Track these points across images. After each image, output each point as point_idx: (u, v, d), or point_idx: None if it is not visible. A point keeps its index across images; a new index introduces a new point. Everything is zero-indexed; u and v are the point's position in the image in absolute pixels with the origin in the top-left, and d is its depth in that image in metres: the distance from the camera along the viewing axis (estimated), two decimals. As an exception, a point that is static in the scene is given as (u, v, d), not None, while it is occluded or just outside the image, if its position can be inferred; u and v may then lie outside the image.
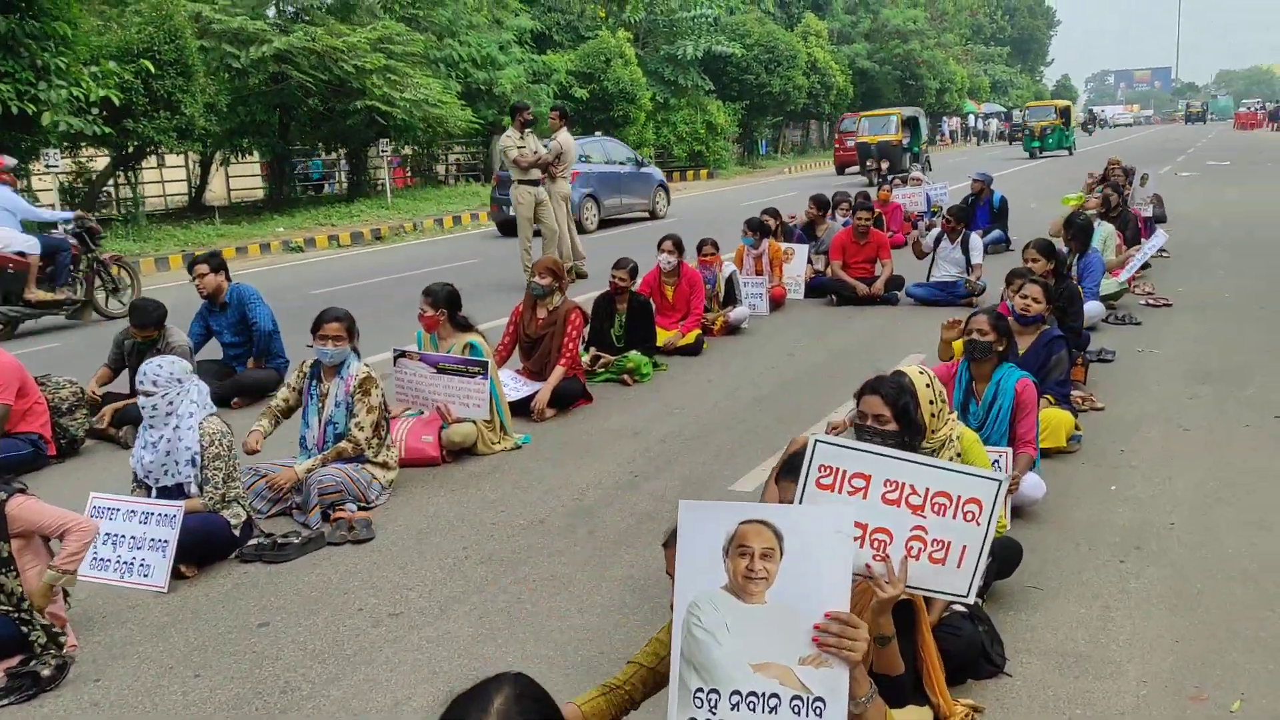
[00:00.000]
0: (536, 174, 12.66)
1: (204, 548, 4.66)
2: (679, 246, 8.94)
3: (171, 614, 4.31)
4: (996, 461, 4.78)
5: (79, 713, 3.63)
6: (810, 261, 11.54)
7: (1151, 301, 10.18)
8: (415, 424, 6.21)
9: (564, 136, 12.95)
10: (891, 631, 3.03)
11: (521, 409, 7.00)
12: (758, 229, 10.79)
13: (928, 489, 3.04)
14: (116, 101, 16.55)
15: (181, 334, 7.18)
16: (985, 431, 4.91)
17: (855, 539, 3.01)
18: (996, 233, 13.75)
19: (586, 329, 7.97)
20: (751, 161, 42.51)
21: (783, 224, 12.05)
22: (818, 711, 2.55)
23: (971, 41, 73.09)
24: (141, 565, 4.54)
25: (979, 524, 3.05)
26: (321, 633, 4.10)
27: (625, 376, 7.93)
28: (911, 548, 3.05)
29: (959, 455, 4.27)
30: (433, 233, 21.61)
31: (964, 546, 3.06)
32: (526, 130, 12.62)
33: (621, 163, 21.98)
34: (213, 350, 7.96)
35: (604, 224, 20.80)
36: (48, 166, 16.66)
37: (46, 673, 3.74)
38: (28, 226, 11.33)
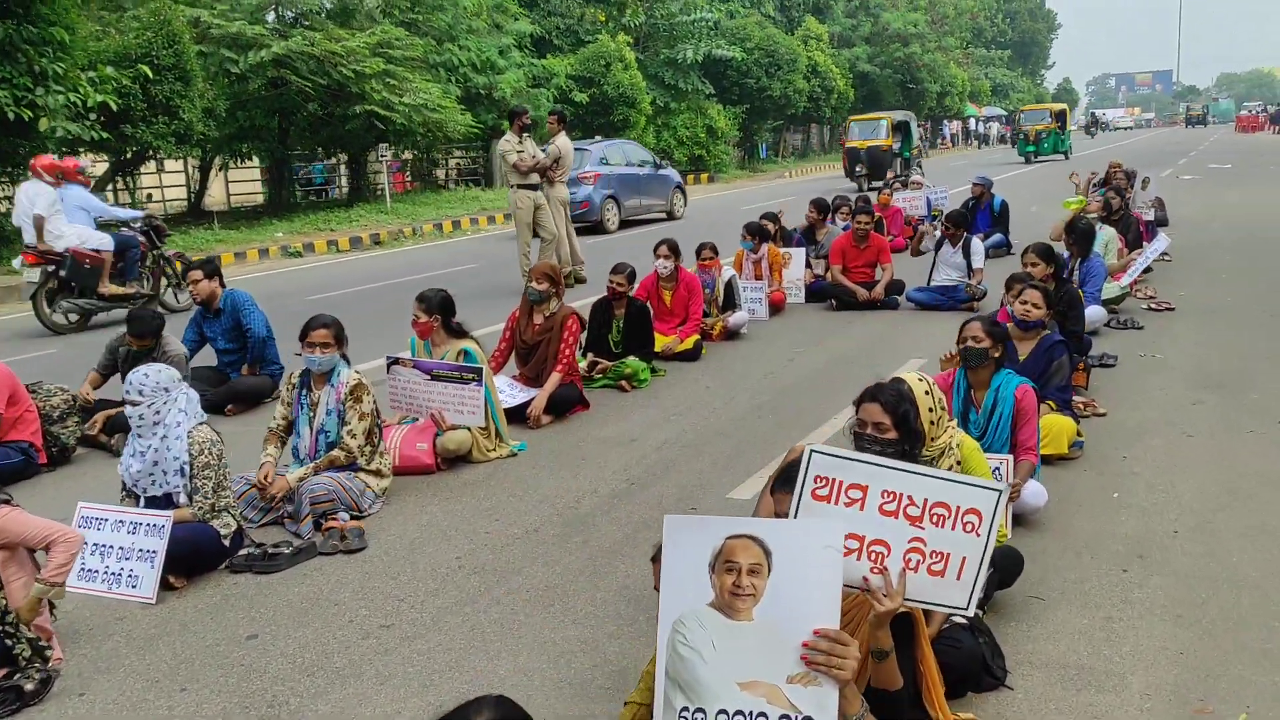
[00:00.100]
0: (535, 178, 12.61)
1: (193, 558, 4.59)
2: (675, 251, 8.87)
3: (159, 626, 4.24)
4: (997, 469, 4.72)
5: (62, 728, 3.57)
6: (810, 266, 11.49)
7: (1154, 306, 10.11)
8: (409, 431, 6.14)
9: (562, 141, 12.90)
10: (889, 645, 2.96)
11: (517, 415, 6.94)
12: (757, 233, 10.73)
13: (926, 500, 2.98)
14: (114, 107, 16.52)
15: (178, 343, 7.12)
16: (987, 439, 4.85)
17: (852, 551, 2.95)
18: (997, 236, 13.69)
19: (584, 335, 7.90)
20: (752, 165, 42.46)
21: (782, 228, 11.99)
22: (806, 731, 2.49)
23: (972, 45, 73.09)
24: (130, 576, 4.47)
25: (978, 535, 2.99)
26: (311, 645, 4.03)
27: (623, 382, 7.87)
28: (910, 560, 2.98)
29: (959, 463, 4.21)
30: (432, 237, 21.56)
31: (963, 558, 3.00)
32: (525, 135, 12.57)
33: (640, 165, 22.36)
34: (207, 357, 7.90)
35: (624, 224, 21.21)
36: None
37: (30, 687, 3.67)
38: (100, 225, 11.94)
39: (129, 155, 19.21)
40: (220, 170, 26.06)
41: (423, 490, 5.81)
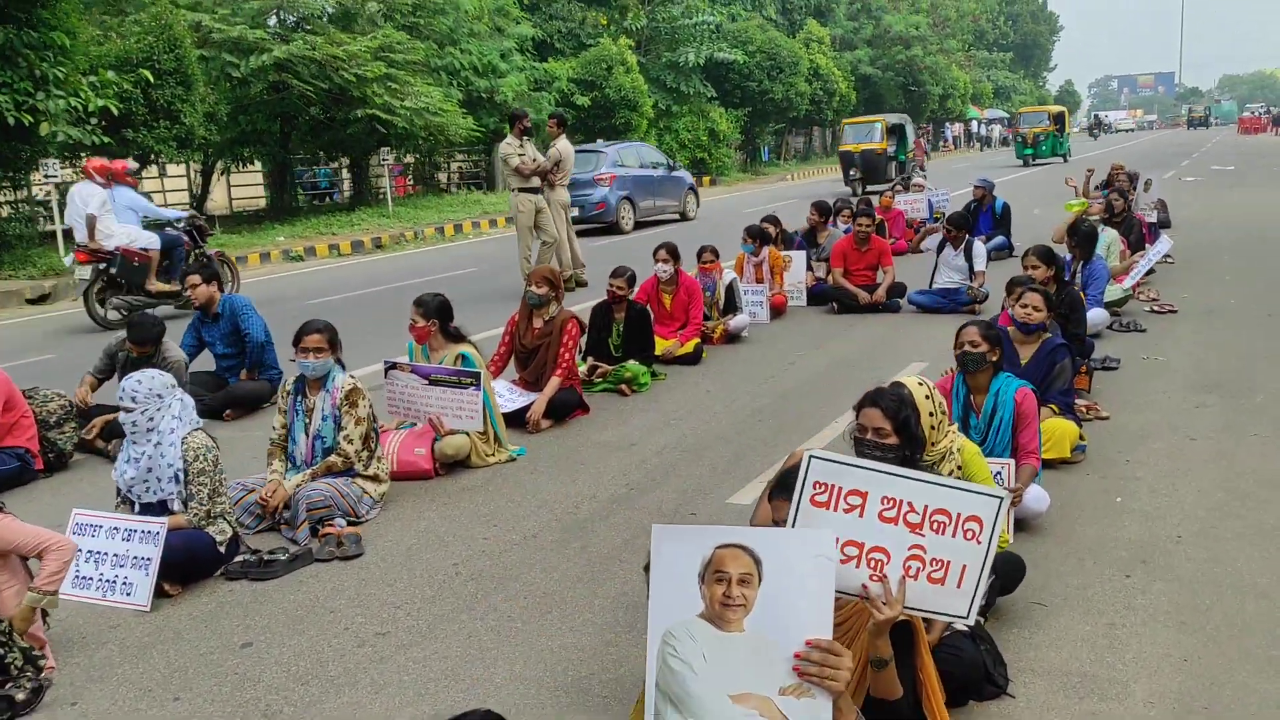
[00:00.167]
0: (536, 181, 12.58)
1: (188, 565, 4.55)
2: (674, 255, 8.83)
3: (153, 634, 4.21)
4: (999, 474, 4.68)
5: (54, 738, 3.54)
6: (811, 269, 11.45)
7: (1157, 308, 10.06)
8: (408, 436, 6.11)
9: (563, 144, 12.88)
10: (889, 654, 2.93)
11: (517, 420, 6.90)
12: (758, 236, 10.69)
13: (926, 506, 2.95)
14: (115, 111, 16.50)
15: (178, 349, 7.07)
16: (988, 444, 4.81)
17: (851, 558, 2.92)
18: (999, 239, 13.65)
19: (584, 338, 7.87)
20: (754, 168, 42.43)
21: (783, 231, 11.95)
22: (800, 743, 2.45)
23: (974, 47, 73.00)
24: (124, 583, 4.43)
25: (979, 542, 2.95)
26: (306, 653, 3.99)
27: (623, 386, 7.82)
28: (910, 567, 2.95)
29: (960, 468, 4.17)
30: (433, 241, 21.55)
31: (964, 566, 2.96)
32: (525, 138, 12.55)
33: (654, 166, 22.79)
34: (206, 362, 7.87)
35: (639, 225, 21.53)
36: (46, 177, 16.59)
37: (21, 696, 3.63)
38: (146, 224, 12.39)
39: (131, 160, 19.18)
40: (222, 174, 26.04)
41: (421, 496, 5.77)
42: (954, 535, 2.94)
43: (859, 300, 10.62)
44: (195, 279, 7.50)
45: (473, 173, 31.95)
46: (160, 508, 4.60)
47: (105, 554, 4.48)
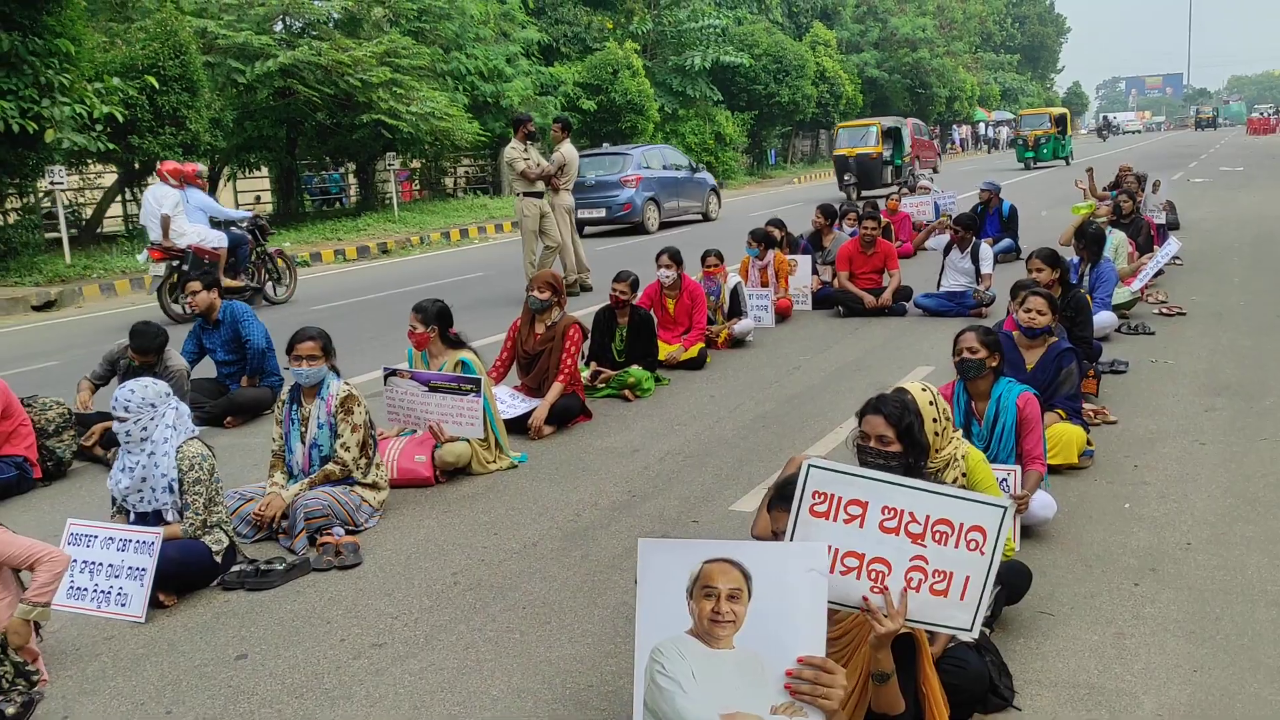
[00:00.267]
0: (541, 186, 12.54)
1: (184, 575, 4.50)
2: (676, 259, 8.77)
3: (147, 646, 4.16)
4: (1004, 480, 4.61)
5: (45, 752, 3.49)
6: (817, 272, 11.38)
7: (1165, 311, 9.97)
8: (408, 444, 6.05)
9: (567, 148, 12.83)
10: (891, 668, 2.86)
11: (519, 426, 6.84)
12: (763, 240, 10.63)
13: (928, 516, 2.88)
14: (120, 118, 16.50)
15: (180, 358, 7.04)
16: (990, 451, 4.74)
17: (852, 570, 2.86)
18: (1006, 241, 13.56)
19: (586, 344, 7.82)
20: (761, 172, 42.38)
21: (788, 234, 11.88)
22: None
23: (981, 49, 72.88)
24: (119, 594, 4.39)
25: (983, 553, 2.89)
26: (301, 665, 3.93)
27: (626, 392, 7.77)
28: (911, 579, 2.88)
29: (964, 475, 4.11)
30: (439, 246, 21.53)
31: (967, 577, 2.89)
32: (529, 142, 12.51)
33: (678, 168, 23.33)
34: (207, 368, 7.83)
35: (663, 225, 21.98)
36: (52, 183, 16.61)
37: (11, 711, 3.58)
38: (213, 223, 13.04)
39: (136, 166, 19.20)
40: (229, 180, 26.08)
41: (421, 503, 5.72)
42: (957, 546, 2.87)
43: (865, 304, 10.55)
44: (195, 285, 7.46)
45: (479, 177, 31.95)
46: (156, 517, 4.55)
47: (100, 564, 4.44)
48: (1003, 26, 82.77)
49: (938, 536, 2.87)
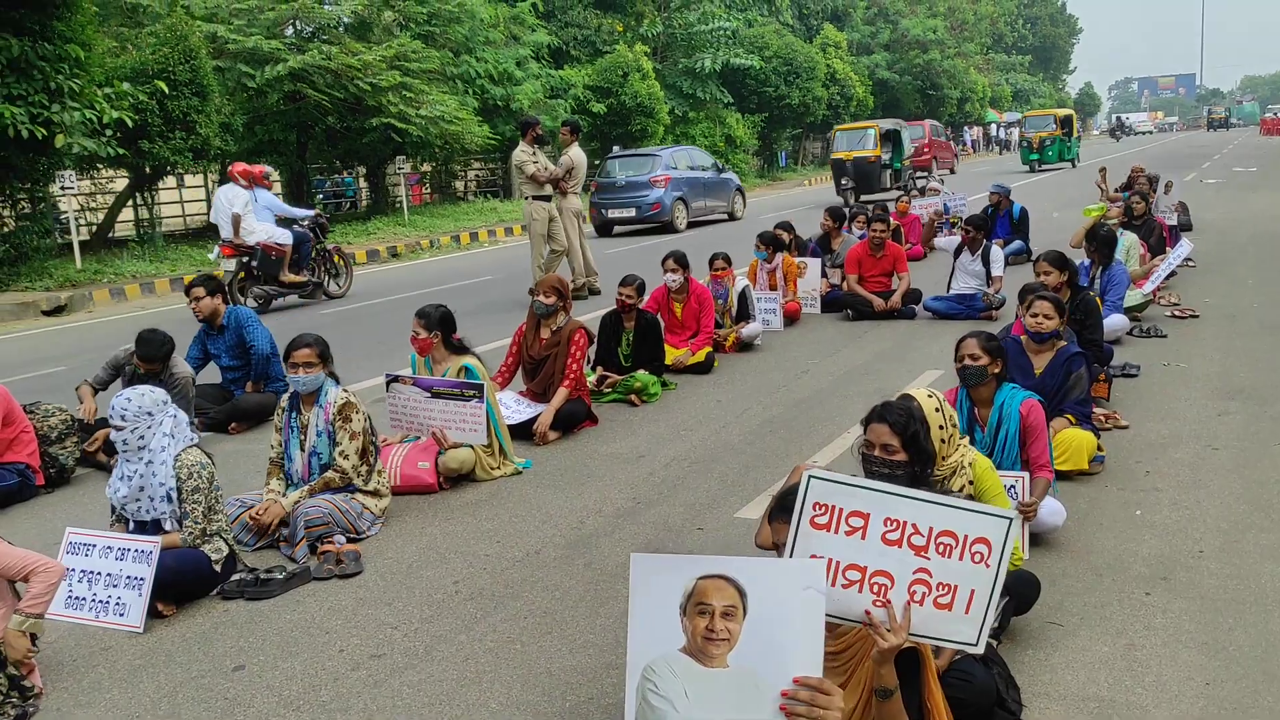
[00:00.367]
0: (549, 189, 12.50)
1: (182, 585, 4.46)
2: (682, 263, 8.70)
3: (144, 656, 4.12)
4: (1012, 488, 4.54)
5: (39, 765, 3.45)
6: (826, 275, 11.31)
7: (1177, 313, 9.87)
8: (411, 450, 6.01)
9: (575, 152, 12.79)
10: (894, 683, 2.79)
11: (525, 432, 6.80)
12: (771, 243, 10.57)
13: (931, 528, 2.81)
14: (129, 123, 16.52)
15: (185, 365, 6.98)
16: (994, 458, 4.66)
17: (854, 583, 2.80)
18: (1017, 243, 13.46)
19: (593, 348, 7.76)
20: (771, 174, 42.29)
21: (797, 237, 11.82)
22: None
23: (992, 50, 72.66)
24: (117, 604, 4.35)
25: (988, 566, 2.81)
26: (299, 677, 3.89)
27: (633, 396, 7.72)
28: (915, 592, 2.82)
29: (971, 482, 4.04)
30: (449, 249, 21.52)
31: (972, 590, 2.82)
32: (537, 145, 12.47)
33: (704, 169, 24.07)
34: (212, 374, 7.81)
35: (690, 225, 22.59)
36: (63, 188, 16.65)
37: (5, 723, 3.55)
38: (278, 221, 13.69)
39: (147, 171, 19.24)
40: (238, 184, 26.08)
41: (424, 510, 5.67)
42: (961, 558, 2.80)
43: (874, 307, 10.48)
44: (199, 291, 7.42)
45: (489, 181, 31.95)
46: (155, 526, 4.52)
47: (99, 573, 4.40)
48: (1014, 27, 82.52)
49: (941, 549, 2.80)
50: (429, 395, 6.00)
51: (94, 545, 4.46)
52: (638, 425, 7.20)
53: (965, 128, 61.96)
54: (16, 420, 6.01)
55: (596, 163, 30.75)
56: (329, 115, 22.32)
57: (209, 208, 25.89)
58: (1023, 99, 74.32)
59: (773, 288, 10.44)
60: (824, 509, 2.82)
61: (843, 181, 26.69)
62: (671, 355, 8.44)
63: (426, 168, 29.04)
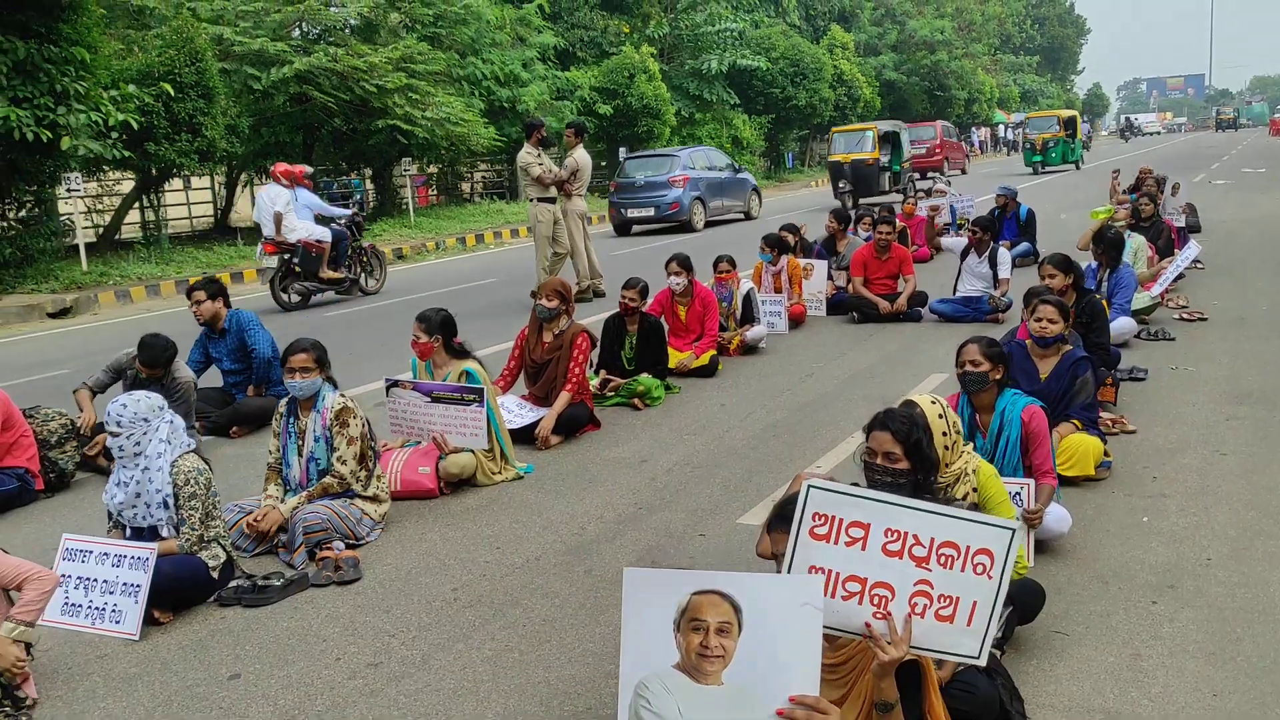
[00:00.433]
0: (554, 191, 12.47)
1: (179, 591, 4.43)
2: (685, 266, 8.65)
3: (140, 664, 4.08)
4: (1017, 495, 4.49)
5: (31, 776, 3.41)
6: (831, 278, 11.25)
7: (1185, 316, 9.79)
8: (412, 455, 5.97)
9: (580, 154, 12.76)
10: (895, 697, 2.75)
11: (526, 436, 6.76)
12: (776, 245, 10.51)
13: (933, 539, 2.77)
14: (135, 125, 16.53)
15: (188, 370, 6.92)
16: (995, 465, 4.59)
17: (854, 595, 2.75)
18: (1024, 245, 13.38)
19: (596, 352, 7.72)
20: (778, 175, 42.21)
21: (802, 239, 11.77)
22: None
23: (1000, 51, 72.45)
24: (113, 611, 4.32)
25: (991, 577, 2.77)
26: (294, 686, 3.85)
27: (636, 400, 7.67)
28: (916, 604, 2.77)
29: (975, 490, 3.98)
30: (455, 251, 21.50)
31: (974, 602, 2.78)
32: (541, 148, 12.44)
33: (720, 169, 24.42)
34: (213, 378, 7.78)
35: (709, 224, 23.02)
36: (69, 190, 16.65)
37: (-2, 733, 3.52)
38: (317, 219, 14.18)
39: (153, 173, 19.25)
40: (245, 186, 26.13)
41: (424, 516, 5.63)
42: (963, 570, 2.76)
43: (880, 309, 10.42)
44: (200, 295, 7.39)
45: (495, 183, 31.94)
46: (152, 533, 4.48)
47: (95, 580, 4.37)
48: (1022, 28, 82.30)
49: (943, 560, 2.76)
50: (429, 400, 5.96)
51: (90, 551, 4.43)
52: (640, 429, 7.15)
53: (973, 129, 61.81)
54: (16, 425, 5.98)
55: (603, 164, 30.80)
56: (335, 117, 22.32)
57: (215, 210, 26.05)
58: (1031, 100, 74.10)
59: (778, 290, 10.39)
60: (824, 519, 2.77)
61: (840, 184, 26.04)
62: (675, 358, 8.39)
63: (433, 169, 29.02)
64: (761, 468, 6.19)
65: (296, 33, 23.37)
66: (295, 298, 13.64)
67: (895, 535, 2.76)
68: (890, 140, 27.59)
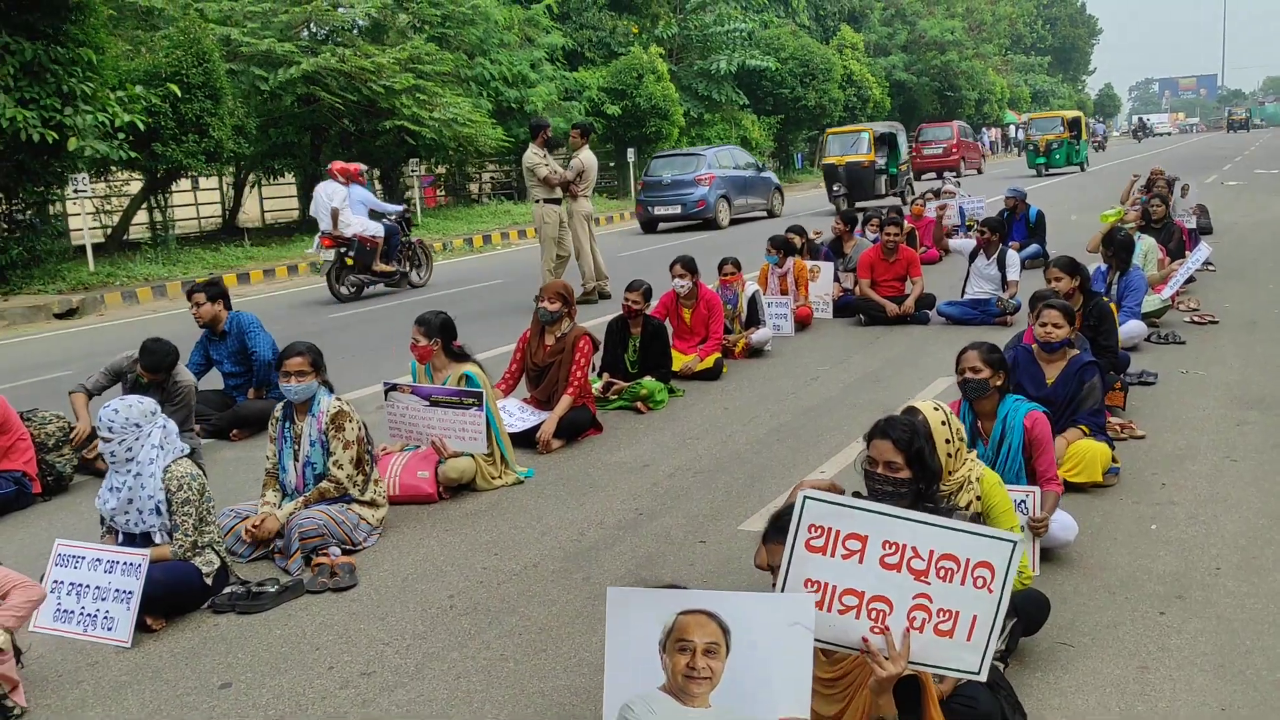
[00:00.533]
0: (560, 192, 12.42)
1: (172, 598, 4.38)
2: (690, 268, 8.58)
3: (131, 672, 4.03)
4: (1023, 502, 4.41)
5: (17, 787, 3.36)
6: (838, 280, 11.17)
7: (1197, 318, 9.69)
8: (411, 459, 5.92)
9: (586, 155, 12.71)
10: (893, 713, 2.69)
11: (528, 440, 6.70)
12: (782, 247, 10.44)
13: (932, 551, 2.70)
14: (142, 126, 16.52)
15: (189, 374, 6.83)
16: (997, 472, 4.51)
17: (851, 609, 2.68)
18: (1034, 246, 13.28)
19: (598, 355, 7.65)
20: (787, 176, 42.07)
21: (808, 241, 11.69)
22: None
23: (1011, 51, 72.25)
24: (105, 618, 4.27)
25: (991, 591, 2.70)
26: (286, 695, 3.79)
27: (639, 404, 7.60)
28: (914, 618, 2.70)
29: (979, 498, 3.91)
30: (462, 252, 21.47)
31: (974, 616, 2.71)
32: (548, 149, 12.39)
33: (744, 168, 25.00)
34: (214, 380, 7.74)
35: (733, 221, 23.48)
36: (76, 191, 16.66)
37: (-16, 743, 3.47)
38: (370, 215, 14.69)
39: (160, 174, 19.25)
40: (253, 187, 26.14)
41: (423, 521, 5.58)
42: (963, 583, 2.69)
43: (887, 312, 10.33)
44: (200, 297, 7.35)
45: (504, 183, 31.91)
46: (145, 539, 4.44)
47: (87, 586, 4.32)
48: (1033, 28, 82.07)
49: (942, 573, 2.69)
50: (428, 403, 5.90)
51: (83, 557, 4.38)
52: (643, 433, 7.09)
53: (983, 129, 61.62)
54: (13, 428, 5.95)
55: (611, 164, 30.75)
56: (343, 118, 22.31)
57: (223, 210, 26.09)
58: (1042, 100, 73.83)
59: (784, 292, 10.32)
60: (820, 531, 2.71)
61: (835, 188, 25.10)
62: (680, 361, 8.33)
63: (440, 170, 29.01)
64: (764, 473, 6.12)
65: (304, 33, 23.36)
66: (350, 290, 14.31)
67: (893, 547, 2.70)
68: (887, 142, 26.52)
